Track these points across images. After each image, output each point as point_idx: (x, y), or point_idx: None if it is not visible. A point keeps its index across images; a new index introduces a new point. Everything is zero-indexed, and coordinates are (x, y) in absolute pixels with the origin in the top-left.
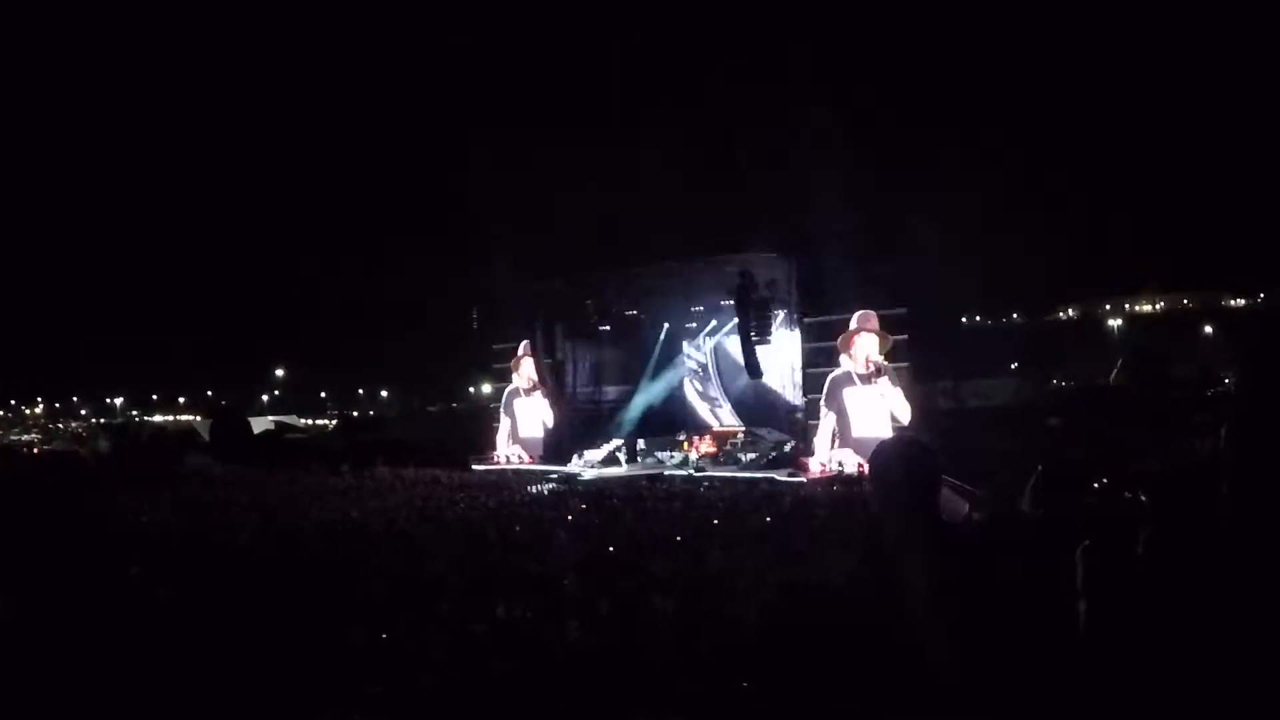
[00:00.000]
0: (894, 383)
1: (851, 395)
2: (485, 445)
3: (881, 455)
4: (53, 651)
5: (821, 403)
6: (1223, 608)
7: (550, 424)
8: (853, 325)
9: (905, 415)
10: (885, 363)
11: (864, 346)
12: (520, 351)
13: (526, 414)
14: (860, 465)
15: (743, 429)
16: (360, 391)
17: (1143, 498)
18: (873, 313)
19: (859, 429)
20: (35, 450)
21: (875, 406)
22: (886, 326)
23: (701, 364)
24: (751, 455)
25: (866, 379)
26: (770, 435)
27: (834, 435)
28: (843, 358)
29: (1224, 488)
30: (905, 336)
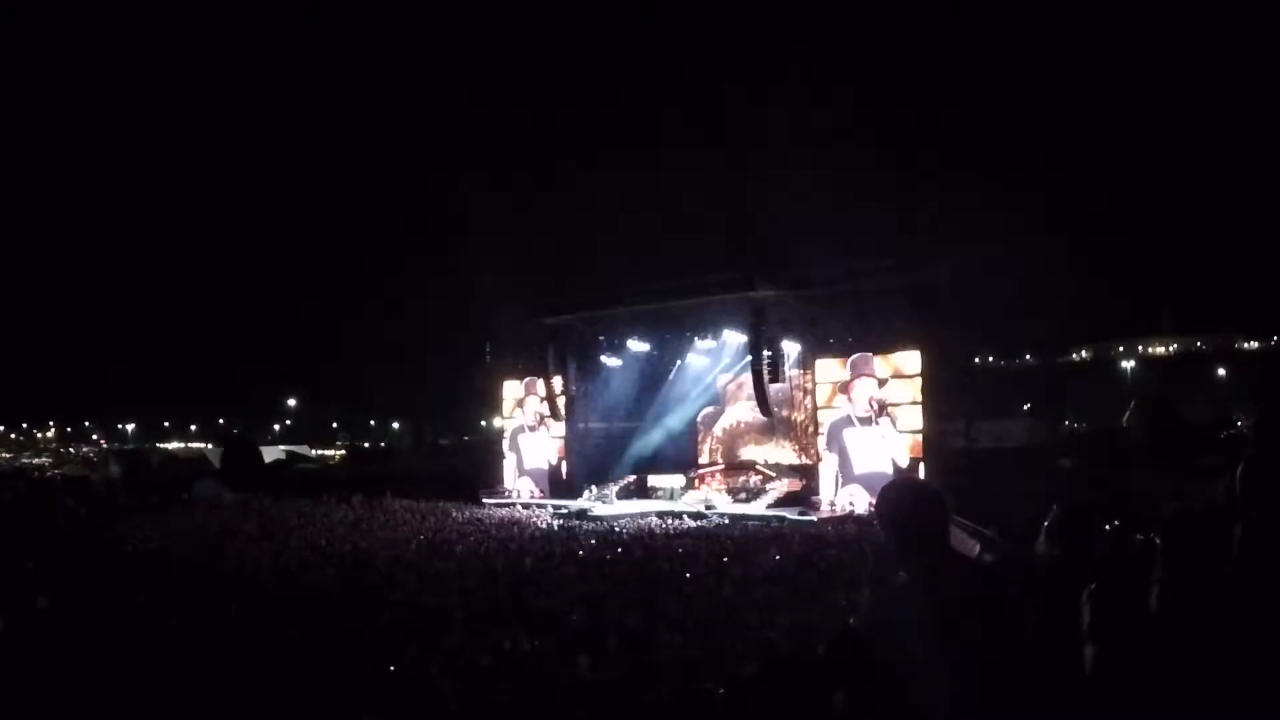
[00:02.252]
0: (895, 425)
1: (852, 436)
2: (495, 479)
3: (890, 498)
4: (56, 674)
5: (823, 446)
6: (1235, 649)
7: (554, 460)
8: (848, 371)
9: (904, 457)
10: (887, 403)
11: (863, 390)
12: (525, 389)
13: (533, 449)
14: (870, 504)
15: (754, 466)
16: (372, 423)
17: (1156, 540)
18: (870, 355)
19: (860, 467)
20: (47, 474)
21: (876, 447)
22: (901, 367)
23: (714, 399)
24: (760, 494)
25: (867, 421)
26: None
27: (837, 476)
28: (840, 399)
29: (1238, 530)
30: (919, 377)
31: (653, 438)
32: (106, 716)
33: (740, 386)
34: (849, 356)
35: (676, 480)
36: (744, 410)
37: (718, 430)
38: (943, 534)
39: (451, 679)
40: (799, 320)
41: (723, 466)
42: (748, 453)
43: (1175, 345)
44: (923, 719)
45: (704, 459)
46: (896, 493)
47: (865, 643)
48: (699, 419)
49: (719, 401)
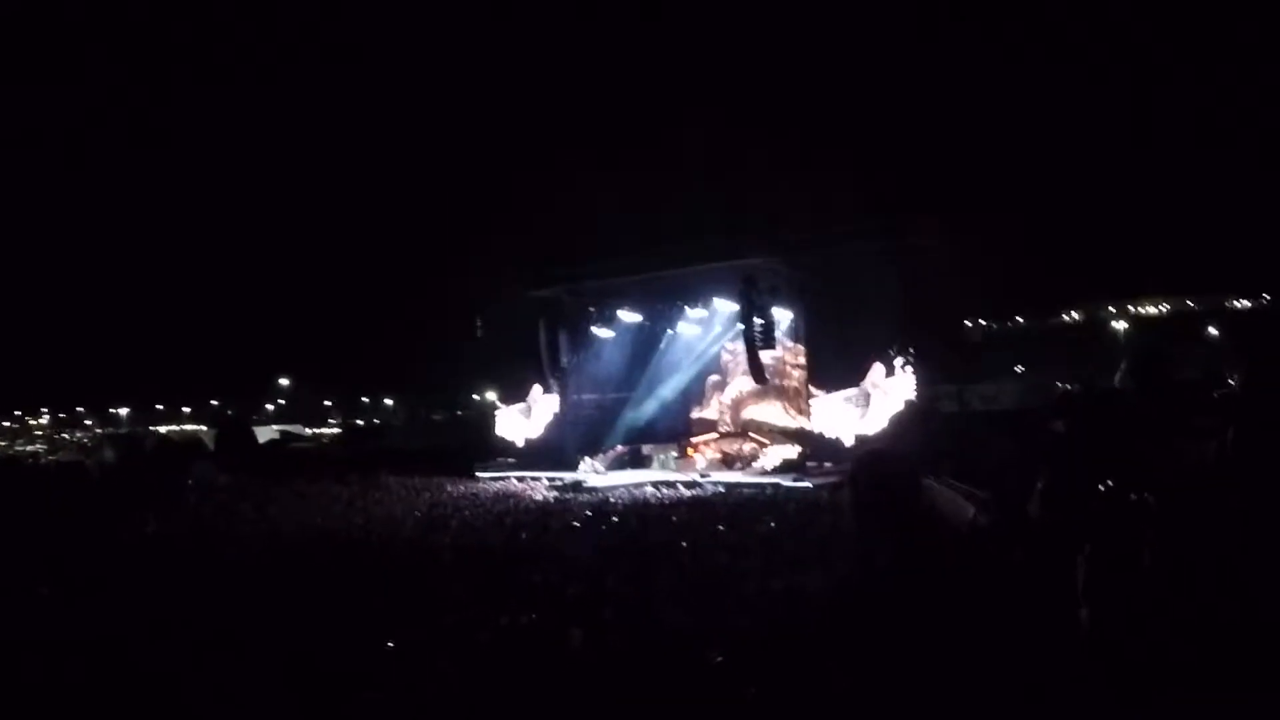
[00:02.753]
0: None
1: (846, 398)
2: (488, 452)
3: (857, 468)
4: (62, 657)
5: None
6: (1230, 609)
7: (547, 431)
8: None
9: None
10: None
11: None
12: (517, 362)
13: (525, 421)
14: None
15: (748, 434)
16: (365, 400)
17: (1149, 500)
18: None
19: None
20: (41, 460)
21: (869, 408)
22: (890, 331)
23: (706, 367)
24: (755, 460)
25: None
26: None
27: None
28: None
29: (1231, 489)
30: (910, 340)
31: (646, 407)
32: (106, 702)
33: (736, 356)
34: (843, 319)
35: (670, 449)
36: (747, 380)
37: (726, 398)
38: (914, 503)
39: (450, 655)
40: (790, 286)
41: (717, 435)
42: (748, 417)
43: (1166, 305)
44: (912, 686)
45: (712, 415)
46: (865, 464)
47: (855, 611)
48: (708, 383)
49: (723, 372)
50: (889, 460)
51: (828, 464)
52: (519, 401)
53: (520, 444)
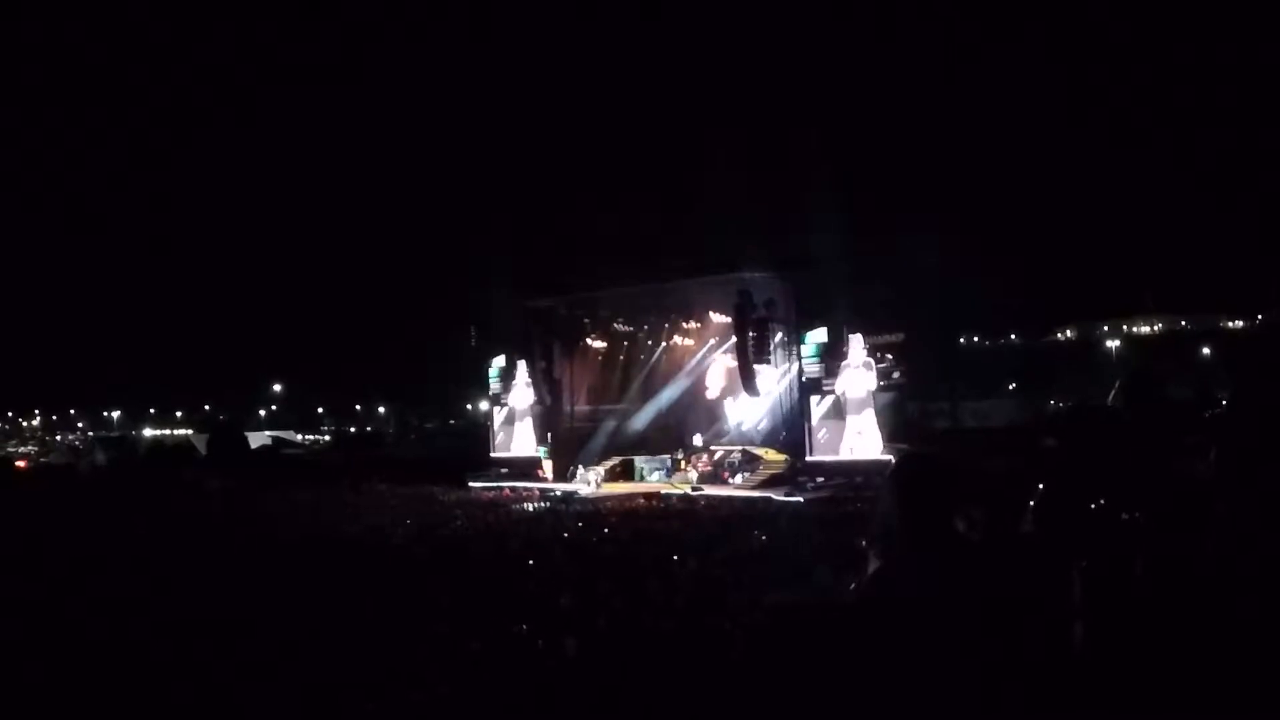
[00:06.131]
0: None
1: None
2: (481, 462)
3: (901, 471)
4: (55, 659)
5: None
6: (1220, 623)
7: (540, 443)
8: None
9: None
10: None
11: (855, 373)
12: (510, 372)
13: (518, 432)
14: (856, 482)
15: (738, 448)
16: (358, 407)
17: (1141, 518)
18: (859, 336)
19: (846, 449)
20: (30, 463)
21: (861, 428)
22: (885, 349)
23: (699, 381)
24: (747, 475)
25: (860, 404)
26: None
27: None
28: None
29: (1220, 506)
30: (904, 358)
31: (639, 420)
32: (103, 703)
33: (728, 367)
34: (837, 336)
35: (663, 462)
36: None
37: (704, 411)
38: (950, 512)
39: (440, 664)
40: (784, 301)
41: (709, 448)
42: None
43: (1159, 324)
44: (910, 703)
45: (691, 440)
46: (909, 465)
47: (855, 619)
48: (684, 400)
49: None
50: (936, 464)
51: (819, 479)
52: (512, 411)
53: (512, 454)
